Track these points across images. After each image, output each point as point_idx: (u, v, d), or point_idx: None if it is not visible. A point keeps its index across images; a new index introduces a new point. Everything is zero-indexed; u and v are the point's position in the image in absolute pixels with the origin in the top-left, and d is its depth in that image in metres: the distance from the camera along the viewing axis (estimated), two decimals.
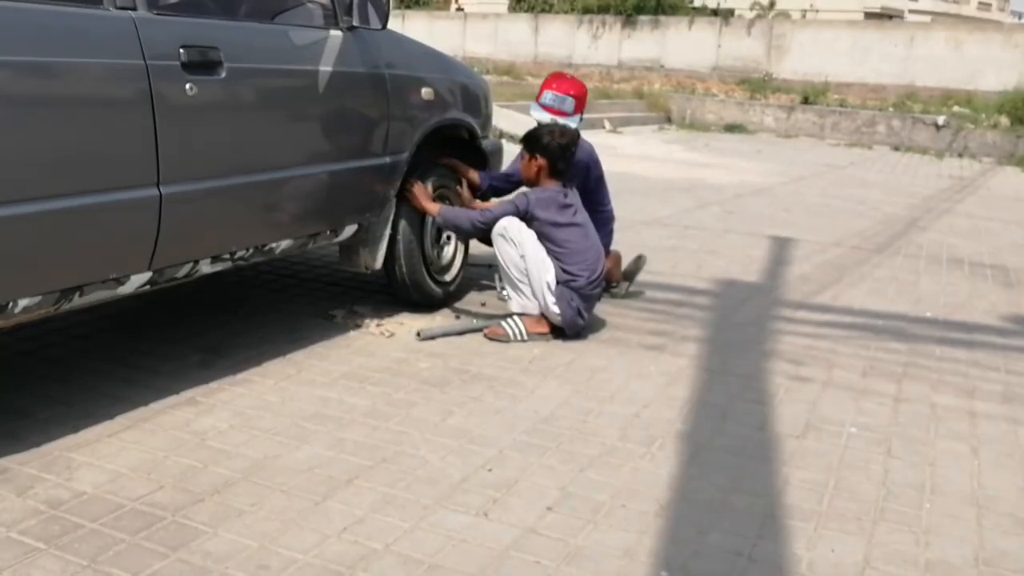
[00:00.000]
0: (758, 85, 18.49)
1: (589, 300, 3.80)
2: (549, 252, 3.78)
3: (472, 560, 2.18)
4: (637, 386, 3.34)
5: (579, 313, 3.75)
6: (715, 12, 23.01)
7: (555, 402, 3.16)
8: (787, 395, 3.33)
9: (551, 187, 3.87)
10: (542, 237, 3.79)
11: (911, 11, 40.05)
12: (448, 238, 4.23)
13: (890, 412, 3.23)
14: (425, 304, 4.10)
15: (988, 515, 2.53)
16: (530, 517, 2.39)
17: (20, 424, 2.74)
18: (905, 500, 2.60)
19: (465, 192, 4.26)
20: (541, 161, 3.90)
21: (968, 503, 2.60)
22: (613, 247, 4.51)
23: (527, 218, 3.80)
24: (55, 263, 2.51)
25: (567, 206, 3.85)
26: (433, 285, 4.10)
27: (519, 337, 3.75)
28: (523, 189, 3.99)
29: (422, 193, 3.87)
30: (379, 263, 3.82)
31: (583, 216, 3.92)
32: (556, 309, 3.73)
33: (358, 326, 3.84)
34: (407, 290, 4.03)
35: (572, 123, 4.30)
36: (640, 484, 2.60)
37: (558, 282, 3.74)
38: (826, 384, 3.46)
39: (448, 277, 4.25)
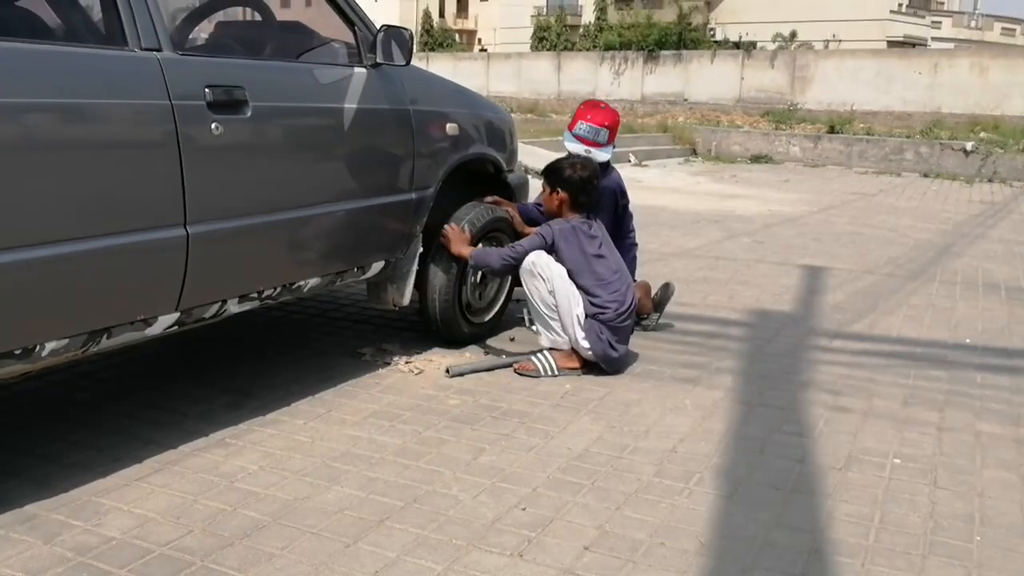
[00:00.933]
0: (783, 116, 18.43)
1: (620, 332, 3.73)
2: (576, 285, 3.73)
3: None
4: (672, 420, 3.27)
5: (610, 345, 3.68)
6: (737, 45, 23.10)
7: (589, 438, 3.09)
8: (827, 426, 3.24)
9: (574, 219, 3.84)
10: (569, 271, 3.74)
11: (934, 39, 39.94)
12: (489, 280, 4.19)
13: (934, 441, 3.13)
14: (454, 342, 4.06)
15: None
16: (567, 557, 2.32)
17: (48, 469, 2.72)
18: (954, 533, 2.50)
19: (517, 216, 4.22)
20: (563, 195, 3.86)
21: (1020, 535, 2.50)
22: (641, 278, 4.46)
23: (552, 250, 3.76)
24: (82, 305, 2.50)
25: (592, 237, 3.81)
26: (464, 325, 4.07)
27: (550, 372, 3.69)
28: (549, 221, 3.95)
29: (457, 237, 3.84)
30: (407, 299, 3.79)
31: (609, 247, 3.88)
32: (586, 343, 3.67)
33: (387, 364, 3.80)
34: (437, 327, 4.00)
35: (605, 153, 4.28)
36: (679, 521, 2.52)
37: (587, 315, 3.68)
38: (867, 414, 3.37)
39: (486, 318, 4.22)
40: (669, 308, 4.54)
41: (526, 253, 3.75)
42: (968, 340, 4.43)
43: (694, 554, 2.35)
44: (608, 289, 3.72)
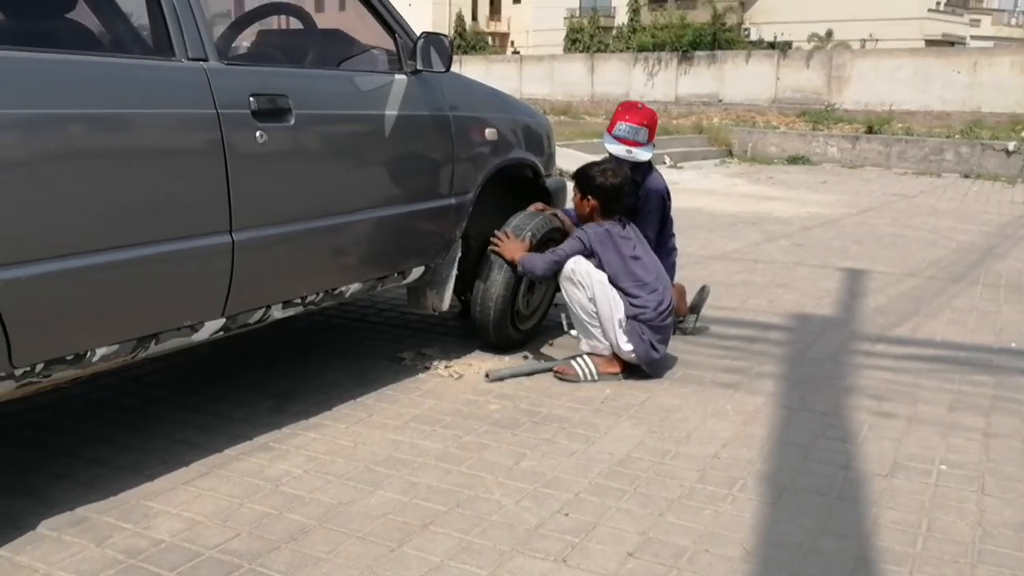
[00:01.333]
0: (819, 116, 18.28)
1: (661, 331, 3.72)
2: (616, 287, 3.73)
3: None
4: (714, 425, 3.25)
5: (652, 346, 3.68)
6: (772, 45, 22.93)
7: (630, 443, 3.08)
8: (871, 432, 3.21)
9: (606, 223, 3.83)
10: (608, 276, 3.74)
11: (973, 37, 39.37)
12: (537, 287, 4.22)
13: (980, 448, 3.09)
14: (502, 347, 4.08)
15: None
16: (611, 564, 2.31)
17: (98, 473, 2.76)
18: (1004, 541, 2.46)
19: (567, 221, 4.21)
20: (593, 202, 3.86)
21: None
22: (678, 281, 4.44)
23: (591, 254, 3.77)
24: (131, 312, 2.54)
25: (626, 239, 3.81)
26: (513, 331, 4.10)
27: (590, 377, 3.69)
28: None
29: (513, 244, 3.86)
30: (446, 304, 3.81)
31: (643, 247, 3.87)
32: (628, 346, 3.66)
33: (427, 368, 3.82)
34: (487, 333, 4.02)
35: (647, 152, 4.25)
36: (723, 528, 2.51)
37: (628, 316, 3.68)
38: (911, 420, 3.33)
39: (531, 324, 4.25)
40: (708, 312, 4.52)
41: (567, 257, 3.75)
42: (1014, 344, 4.36)
43: (739, 561, 2.33)
44: (647, 289, 3.71)
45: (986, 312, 4.97)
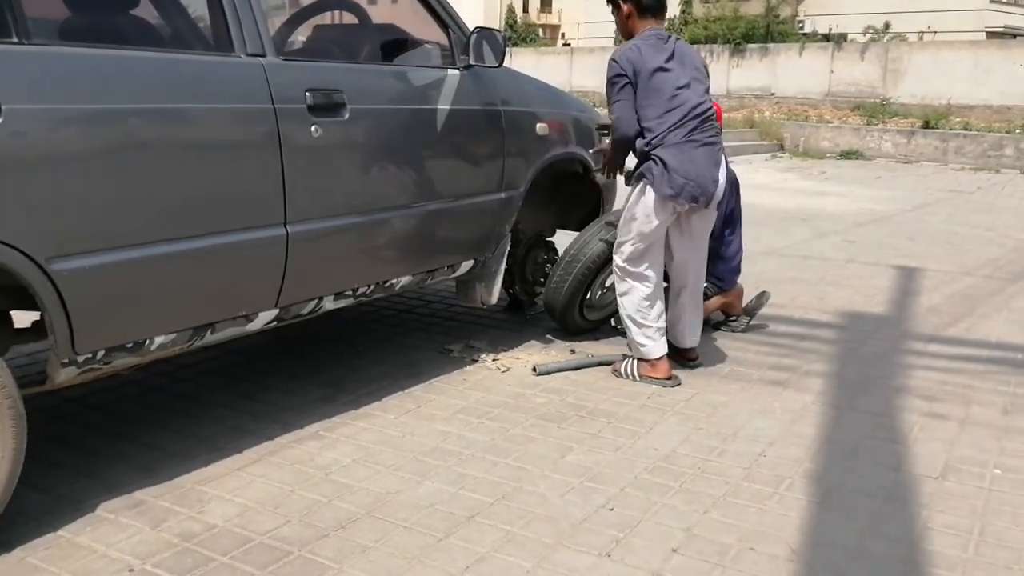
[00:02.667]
0: (874, 110, 17.95)
1: (675, 150, 3.41)
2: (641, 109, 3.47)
3: None
4: (761, 423, 3.24)
5: (668, 180, 3.41)
6: (827, 37, 22.55)
7: (676, 439, 3.08)
8: (922, 433, 3.17)
9: (640, 36, 3.53)
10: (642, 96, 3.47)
11: None
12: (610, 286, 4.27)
13: None
14: (565, 330, 4.23)
15: None
16: (655, 559, 2.32)
17: (153, 457, 2.84)
18: None
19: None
20: (627, 7, 3.59)
21: None
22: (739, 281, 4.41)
23: (636, 80, 3.45)
24: (189, 301, 2.61)
25: (659, 49, 3.47)
26: (580, 318, 4.21)
27: (629, 378, 3.66)
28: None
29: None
30: (495, 298, 3.84)
31: (680, 68, 3.49)
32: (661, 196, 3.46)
33: (474, 361, 3.85)
34: (552, 315, 4.17)
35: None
36: (769, 526, 2.50)
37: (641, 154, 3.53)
38: (964, 422, 3.28)
39: (597, 317, 4.32)
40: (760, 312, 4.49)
41: (617, 117, 3.53)
42: None
43: (784, 560, 2.33)
44: (660, 110, 3.44)
45: None
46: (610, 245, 4.01)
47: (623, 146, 3.63)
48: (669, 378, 3.63)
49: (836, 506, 2.62)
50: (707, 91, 3.61)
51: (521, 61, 24.88)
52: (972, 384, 3.68)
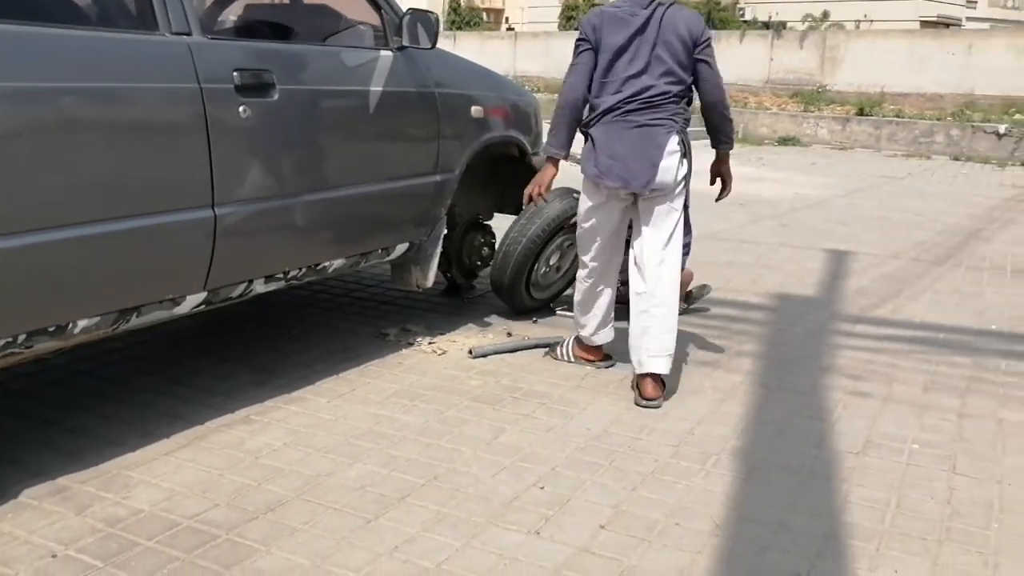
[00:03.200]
0: (812, 97, 18.23)
1: (608, 131, 3.25)
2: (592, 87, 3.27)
3: None
4: (691, 402, 3.30)
5: (594, 162, 3.26)
6: (767, 25, 22.84)
7: (608, 419, 3.12)
8: (846, 411, 3.25)
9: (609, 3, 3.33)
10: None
11: (968, 19, 39.27)
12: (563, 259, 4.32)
13: (954, 428, 3.14)
14: (513, 310, 4.26)
15: None
16: (583, 536, 2.36)
17: (78, 443, 2.79)
18: (972, 519, 2.51)
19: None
20: None
21: None
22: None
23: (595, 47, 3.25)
24: (113, 284, 2.56)
25: (624, 20, 3.22)
26: (527, 297, 4.25)
27: (564, 359, 3.69)
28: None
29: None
30: (430, 281, 3.83)
31: (644, 46, 3.21)
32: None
33: (410, 344, 3.85)
34: (499, 294, 4.22)
35: None
36: (695, 502, 2.55)
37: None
38: (886, 399, 3.38)
39: (544, 294, 4.37)
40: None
41: (567, 82, 3.31)
42: (994, 326, 4.41)
43: (709, 535, 2.38)
44: (610, 88, 3.25)
45: (968, 294, 5.02)
46: (554, 221, 4.06)
47: (562, 113, 3.33)
48: (603, 359, 3.65)
49: (760, 482, 2.69)
50: (681, 69, 3.25)
51: (465, 45, 24.75)
52: (895, 363, 3.78)
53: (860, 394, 3.42)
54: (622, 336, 3.50)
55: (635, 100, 3.23)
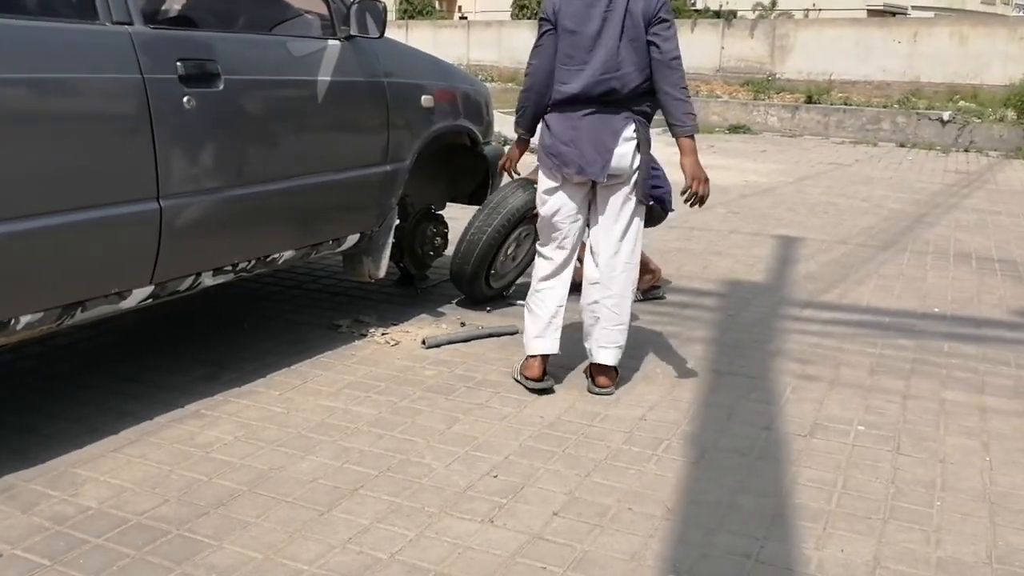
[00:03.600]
0: (762, 85, 18.43)
1: (556, 114, 3.18)
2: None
3: (478, 567, 2.17)
4: (643, 389, 3.33)
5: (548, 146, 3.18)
6: (717, 14, 22.98)
7: (561, 407, 3.14)
8: (794, 394, 3.31)
9: None
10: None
11: (914, 7, 39.91)
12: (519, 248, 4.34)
13: (899, 409, 3.21)
14: (472, 299, 4.28)
15: (1000, 512, 2.51)
16: (536, 523, 2.37)
17: (25, 441, 2.74)
18: (915, 498, 2.57)
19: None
20: None
21: (980, 500, 2.57)
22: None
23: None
24: (56, 279, 2.51)
25: (595, 4, 3.07)
26: (486, 287, 4.27)
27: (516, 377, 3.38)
28: None
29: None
30: (383, 272, 3.82)
31: (605, 31, 3.08)
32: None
33: (363, 335, 3.83)
34: (460, 284, 4.22)
35: None
36: (646, 487, 2.58)
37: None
38: (833, 383, 3.44)
39: (501, 283, 4.40)
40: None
41: (531, 64, 3.21)
42: (937, 309, 4.51)
43: (660, 519, 2.41)
44: (571, 74, 3.13)
45: (912, 278, 5.12)
46: (517, 211, 4.05)
47: (527, 96, 3.24)
48: (538, 380, 3.26)
49: (710, 465, 2.73)
50: (644, 55, 3.09)
51: (418, 35, 24.62)
52: (842, 347, 3.85)
53: (808, 377, 3.48)
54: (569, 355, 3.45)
55: (595, 87, 3.10)
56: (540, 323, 3.28)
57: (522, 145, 3.46)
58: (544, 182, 3.27)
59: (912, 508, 2.51)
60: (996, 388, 3.43)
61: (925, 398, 3.32)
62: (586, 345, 3.32)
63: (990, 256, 5.76)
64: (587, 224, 3.33)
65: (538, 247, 3.38)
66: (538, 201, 3.33)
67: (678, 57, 3.10)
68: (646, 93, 3.15)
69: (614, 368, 3.30)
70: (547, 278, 3.31)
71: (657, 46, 3.09)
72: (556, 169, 3.19)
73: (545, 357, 3.30)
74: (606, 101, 3.12)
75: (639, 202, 3.24)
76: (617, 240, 3.25)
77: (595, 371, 3.30)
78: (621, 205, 3.23)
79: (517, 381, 3.34)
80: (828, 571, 2.19)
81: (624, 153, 3.14)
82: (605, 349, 3.26)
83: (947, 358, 3.76)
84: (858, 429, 3.02)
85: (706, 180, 3.19)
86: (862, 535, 2.36)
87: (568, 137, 3.14)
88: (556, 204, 3.24)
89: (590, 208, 3.30)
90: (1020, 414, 3.19)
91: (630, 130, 3.15)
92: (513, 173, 3.61)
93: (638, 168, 3.19)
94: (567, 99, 3.15)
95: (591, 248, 3.32)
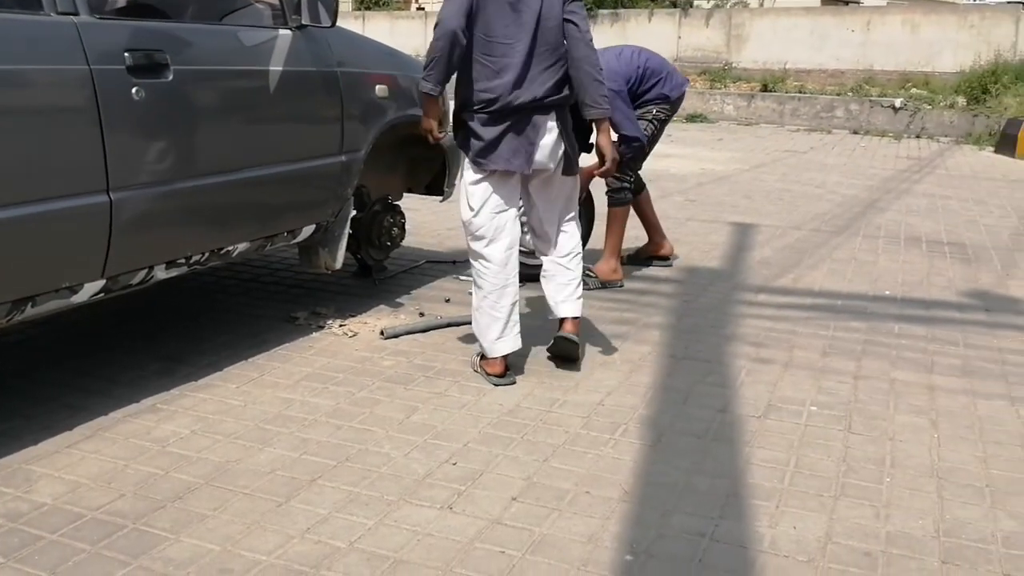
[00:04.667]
0: (719, 75, 18.57)
1: (489, 119, 3.15)
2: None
3: (437, 553, 2.18)
4: (601, 374, 3.36)
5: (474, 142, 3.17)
6: (674, 4, 23.07)
7: (519, 394, 3.16)
8: (748, 377, 3.36)
9: None
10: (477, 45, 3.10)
11: None
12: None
13: (850, 389, 3.27)
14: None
15: (948, 486, 2.57)
16: (495, 508, 2.39)
17: None
18: (865, 475, 2.63)
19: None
20: None
21: (928, 475, 2.64)
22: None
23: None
24: (3, 274, 2.48)
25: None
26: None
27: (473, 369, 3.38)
28: None
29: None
30: (339, 263, 3.81)
31: (519, 27, 3.09)
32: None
33: (321, 327, 3.82)
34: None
35: None
36: (604, 470, 2.61)
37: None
38: (787, 365, 3.50)
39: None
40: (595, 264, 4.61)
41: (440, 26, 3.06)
42: (888, 292, 4.59)
43: (617, 501, 2.44)
44: (492, 74, 3.12)
45: (864, 262, 5.21)
46: None
47: (438, 46, 3.05)
48: (502, 375, 3.26)
49: (666, 448, 2.76)
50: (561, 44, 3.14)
51: (375, 26, 24.43)
52: (796, 330, 3.92)
53: (762, 360, 3.53)
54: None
55: (517, 88, 3.10)
56: (499, 324, 3.24)
57: (434, 101, 3.35)
58: (473, 173, 3.26)
59: (862, 485, 2.57)
60: (944, 367, 3.51)
61: (876, 378, 3.39)
62: (551, 306, 3.43)
63: (940, 240, 5.88)
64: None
65: (477, 250, 3.26)
66: (470, 194, 3.25)
67: (590, 35, 3.19)
68: (565, 75, 3.19)
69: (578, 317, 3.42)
70: (495, 280, 3.24)
71: (576, 25, 3.15)
72: (484, 168, 3.22)
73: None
74: (530, 98, 3.15)
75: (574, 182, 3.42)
76: (558, 219, 3.40)
77: (563, 324, 3.39)
78: (558, 188, 3.38)
79: (476, 373, 3.34)
80: (781, 548, 2.24)
81: (546, 143, 3.21)
82: (566, 303, 3.39)
83: (897, 339, 3.84)
84: (811, 409, 3.08)
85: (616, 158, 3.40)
86: (814, 512, 2.41)
87: (491, 135, 3.16)
88: (490, 187, 3.23)
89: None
90: (967, 392, 3.27)
91: (552, 120, 3.22)
92: (444, 137, 3.52)
93: (562, 156, 3.28)
94: (489, 103, 3.16)
95: (534, 231, 3.46)
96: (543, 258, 3.44)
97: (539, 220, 3.38)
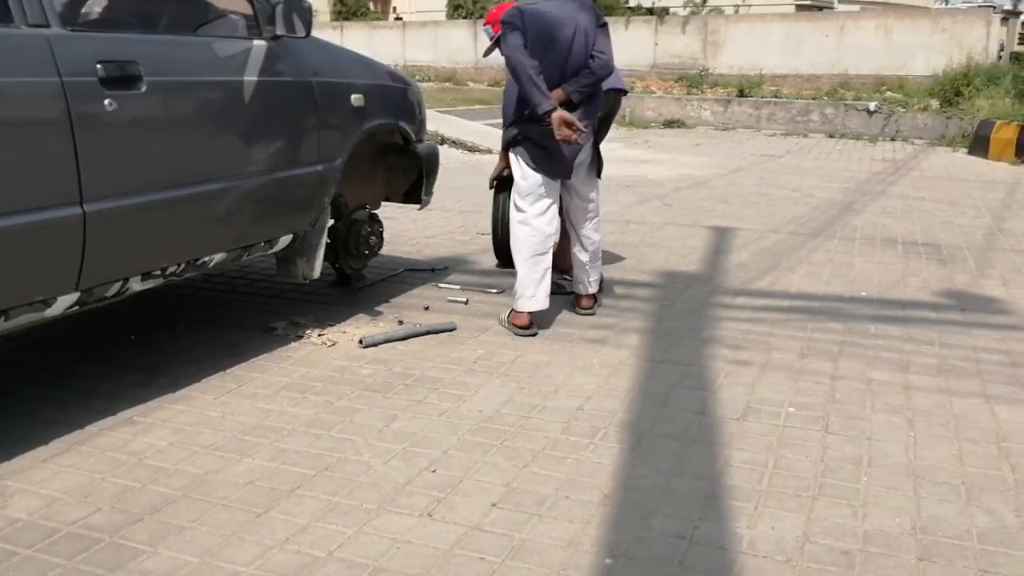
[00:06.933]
0: (695, 80, 18.72)
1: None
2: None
3: (417, 561, 2.18)
4: (580, 379, 3.37)
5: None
6: (651, 11, 23.25)
7: (499, 400, 3.17)
8: (727, 379, 3.38)
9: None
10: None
11: (841, 1, 40.75)
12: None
13: (827, 390, 3.29)
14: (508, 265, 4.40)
15: (924, 485, 2.59)
16: (475, 515, 2.39)
17: None
18: (843, 475, 2.65)
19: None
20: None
21: (905, 474, 2.66)
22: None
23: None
24: None
25: (542, 15, 3.70)
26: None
27: (502, 324, 4.00)
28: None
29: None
30: (317, 272, 3.80)
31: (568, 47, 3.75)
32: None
33: (300, 337, 3.81)
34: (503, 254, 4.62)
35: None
36: (583, 475, 2.62)
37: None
38: (765, 367, 3.52)
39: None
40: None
41: (510, 54, 3.68)
42: (864, 293, 4.63)
43: (597, 505, 2.45)
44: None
45: (840, 264, 5.25)
46: None
47: (528, 77, 3.65)
48: (527, 327, 3.89)
49: (646, 451, 2.77)
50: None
51: (353, 36, 24.47)
52: (773, 332, 3.94)
53: (740, 363, 3.55)
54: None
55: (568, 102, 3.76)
56: (532, 285, 3.86)
57: (555, 111, 3.75)
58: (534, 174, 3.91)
59: (840, 484, 2.59)
60: (920, 367, 3.54)
61: (853, 378, 3.41)
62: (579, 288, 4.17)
63: (915, 241, 5.93)
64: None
65: (535, 224, 3.89)
66: (528, 187, 3.90)
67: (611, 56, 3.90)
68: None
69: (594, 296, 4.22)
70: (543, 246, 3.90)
71: (595, 58, 3.83)
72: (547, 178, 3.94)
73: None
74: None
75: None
76: (588, 207, 4.11)
77: (579, 301, 4.20)
78: (584, 184, 4.08)
79: (503, 326, 3.95)
80: (760, 548, 2.25)
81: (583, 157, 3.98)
82: (582, 284, 4.18)
83: (874, 339, 3.87)
84: (788, 411, 3.10)
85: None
86: (792, 512, 2.43)
87: (553, 151, 3.82)
88: (546, 188, 3.93)
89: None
90: (943, 391, 3.30)
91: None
92: (589, 131, 3.93)
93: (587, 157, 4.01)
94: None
95: (570, 219, 4.12)
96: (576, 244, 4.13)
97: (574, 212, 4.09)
